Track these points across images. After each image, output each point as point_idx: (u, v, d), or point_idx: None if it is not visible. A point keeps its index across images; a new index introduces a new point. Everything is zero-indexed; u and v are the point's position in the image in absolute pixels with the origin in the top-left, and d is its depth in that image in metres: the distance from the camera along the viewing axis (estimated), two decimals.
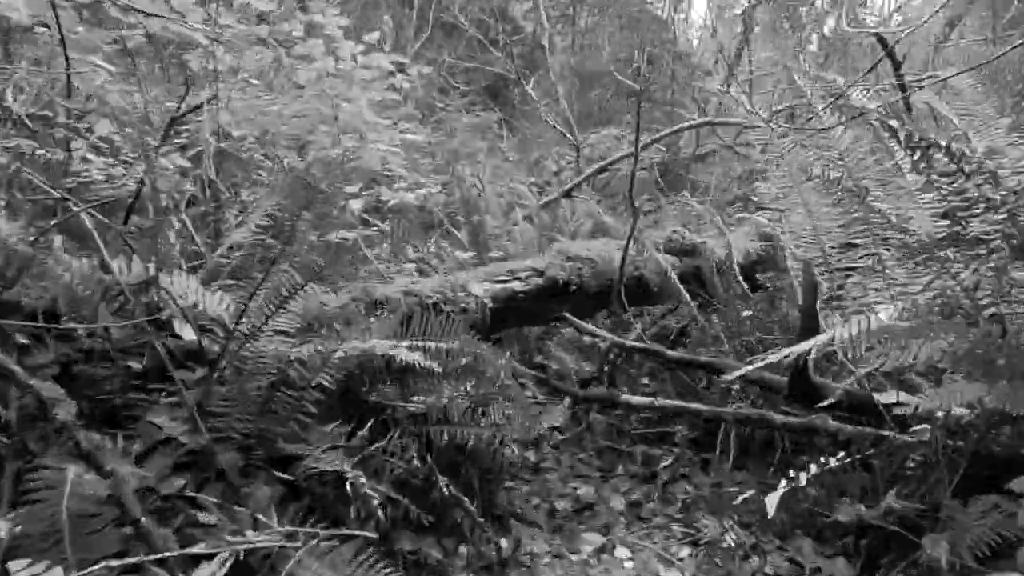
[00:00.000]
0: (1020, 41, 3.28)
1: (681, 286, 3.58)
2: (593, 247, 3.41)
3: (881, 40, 3.97)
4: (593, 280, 3.33)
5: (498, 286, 3.04)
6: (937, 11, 8.19)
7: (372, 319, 2.39)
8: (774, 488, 2.02)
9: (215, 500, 1.82)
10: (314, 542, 1.69)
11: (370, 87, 3.61)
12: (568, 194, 4.60)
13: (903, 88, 3.72)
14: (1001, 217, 2.11)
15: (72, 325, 1.99)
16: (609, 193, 7.43)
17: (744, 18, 14.63)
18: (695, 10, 22.74)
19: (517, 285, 3.09)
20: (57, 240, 2.14)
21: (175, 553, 1.53)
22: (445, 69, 9.84)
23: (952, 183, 2.21)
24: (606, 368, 3.54)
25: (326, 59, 3.35)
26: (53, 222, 2.25)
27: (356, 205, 3.22)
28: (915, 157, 2.21)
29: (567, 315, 3.34)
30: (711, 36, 13.92)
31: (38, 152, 2.38)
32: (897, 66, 3.95)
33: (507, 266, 3.19)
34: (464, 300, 2.85)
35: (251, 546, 1.59)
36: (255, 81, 3.39)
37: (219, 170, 2.87)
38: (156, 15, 2.64)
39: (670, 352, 3.29)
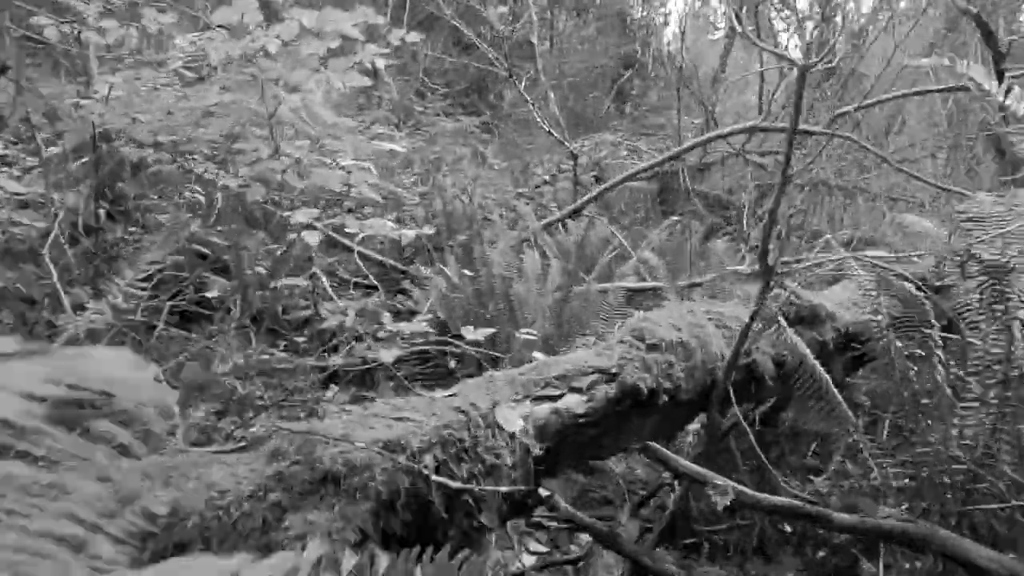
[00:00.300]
0: None
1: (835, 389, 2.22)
2: (679, 321, 2.09)
3: None
4: (688, 379, 2.07)
5: (545, 407, 1.74)
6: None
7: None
8: None
9: None
10: None
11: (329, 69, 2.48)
12: (577, 212, 3.94)
13: None
14: None
15: None
16: (604, 205, 6.84)
17: (729, 20, 14.26)
18: (673, 12, 22.45)
19: (574, 402, 1.79)
20: None
21: None
22: (423, 71, 9.20)
23: None
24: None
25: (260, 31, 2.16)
26: None
27: (312, 240, 2.43)
28: None
29: (656, 447, 2.12)
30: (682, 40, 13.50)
31: None
32: None
33: (554, 367, 1.86)
34: (492, 446, 1.51)
35: None
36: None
37: (112, 191, 2.17)
38: None
39: (845, 517, 1.94)
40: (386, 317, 2.50)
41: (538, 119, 5.33)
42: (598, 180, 6.80)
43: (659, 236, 3.96)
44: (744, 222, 4.85)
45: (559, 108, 7.02)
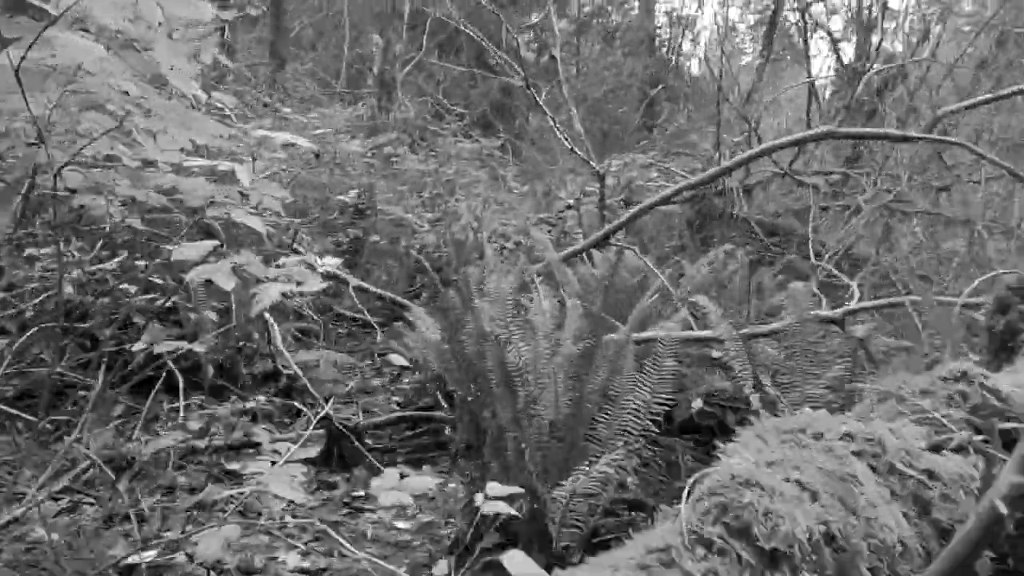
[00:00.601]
0: None
1: None
2: (803, 466, 1.08)
3: None
4: None
5: None
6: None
7: None
8: None
9: None
10: None
11: None
12: (605, 240, 3.33)
13: None
14: None
15: None
16: (634, 231, 6.25)
17: (764, 39, 13.72)
18: (702, 32, 22.00)
19: None
20: None
21: None
22: (441, 91, 8.79)
23: None
24: None
25: None
26: None
27: (268, 298, 1.75)
28: None
29: None
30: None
31: None
32: None
33: None
34: None
35: None
36: None
37: None
38: None
39: None
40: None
41: (561, 138, 4.79)
42: (627, 204, 6.22)
43: (702, 269, 3.35)
44: (810, 253, 4.17)
45: (584, 128, 6.48)
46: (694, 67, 22.73)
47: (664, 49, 16.25)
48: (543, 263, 3.02)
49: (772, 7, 15.92)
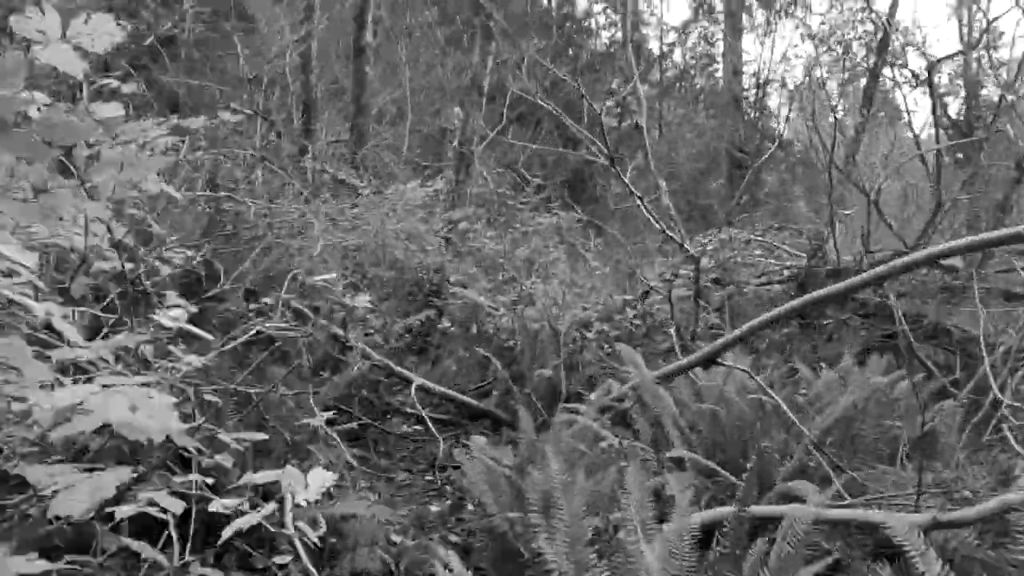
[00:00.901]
0: None
1: None
2: None
3: None
4: None
5: None
6: None
7: None
8: None
9: None
10: None
11: None
12: (711, 361, 2.71)
13: None
14: None
15: None
16: (728, 313, 5.61)
17: (864, 97, 12.92)
18: (780, 94, 21.26)
19: None
20: None
21: None
22: (521, 163, 8.58)
23: None
24: None
25: None
26: None
27: None
28: None
29: None
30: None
31: None
32: None
33: None
34: None
35: None
36: None
37: None
38: None
39: None
40: None
41: (651, 218, 4.32)
42: (719, 284, 5.63)
43: (833, 389, 2.71)
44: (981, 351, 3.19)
45: (671, 200, 5.99)
46: (784, 127, 21.94)
47: (752, 112, 15.65)
48: (633, 383, 2.51)
49: (872, 64, 15.13)
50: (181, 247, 2.34)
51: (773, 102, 20.12)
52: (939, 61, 15.08)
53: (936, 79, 14.13)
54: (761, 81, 16.67)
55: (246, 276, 2.63)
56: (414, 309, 5.67)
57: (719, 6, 18.95)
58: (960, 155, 13.45)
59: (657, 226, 4.34)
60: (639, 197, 4.18)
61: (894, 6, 12.32)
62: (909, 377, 2.81)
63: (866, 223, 4.48)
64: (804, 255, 6.05)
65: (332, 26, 10.15)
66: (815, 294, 2.94)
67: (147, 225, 2.22)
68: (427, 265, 6.18)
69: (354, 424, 3.34)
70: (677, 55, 21.19)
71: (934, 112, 6.04)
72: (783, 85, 16.54)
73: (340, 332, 3.33)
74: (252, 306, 2.44)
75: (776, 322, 3.00)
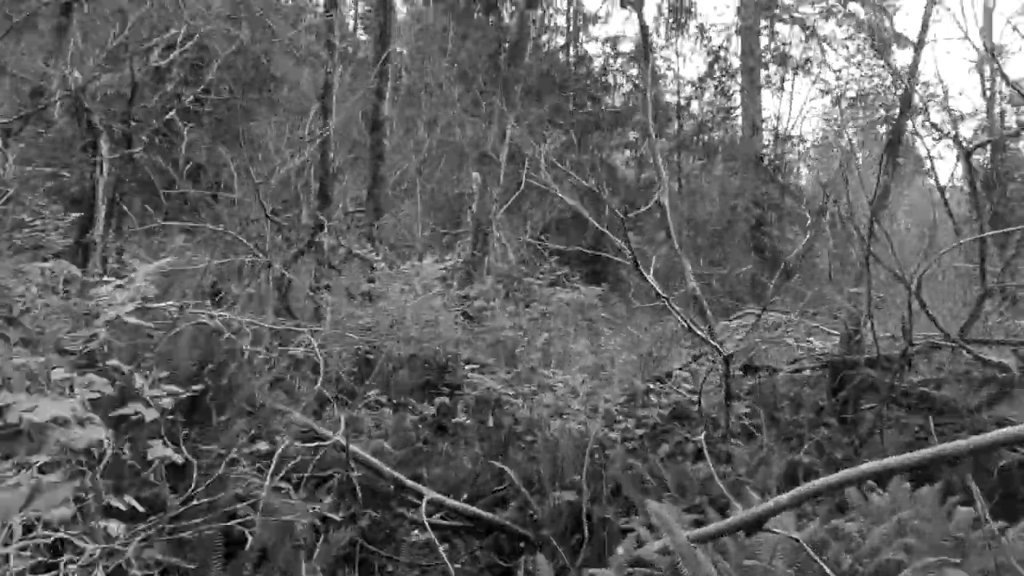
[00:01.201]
0: None
1: None
2: None
3: None
4: None
5: None
6: None
7: None
8: None
9: None
10: None
11: None
12: (759, 525, 2.39)
13: None
14: None
15: None
16: (759, 399, 5.32)
17: (887, 153, 12.73)
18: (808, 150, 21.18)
19: None
20: None
21: None
22: (537, 232, 8.46)
23: None
24: None
25: None
26: None
27: None
28: None
29: None
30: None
31: None
32: None
33: None
34: None
35: None
36: None
37: None
38: None
39: None
40: None
41: (675, 315, 4.11)
42: (752, 370, 5.35)
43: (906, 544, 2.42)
44: None
45: (693, 271, 5.77)
46: (805, 181, 21.79)
47: (773, 170, 15.51)
48: (665, 546, 2.24)
49: (894, 118, 15.00)
50: (170, 386, 2.17)
51: (792, 156, 20.02)
52: (963, 117, 14.87)
53: (961, 134, 13.92)
54: (780, 137, 16.59)
55: (239, 415, 2.45)
56: (428, 396, 5.46)
57: (735, 62, 19.10)
58: (992, 209, 13.15)
59: (685, 325, 4.11)
60: (665, 298, 3.98)
61: (916, 62, 12.24)
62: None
63: (907, 315, 4.22)
64: (836, 333, 5.78)
65: (351, 94, 10.25)
66: (914, 456, 2.57)
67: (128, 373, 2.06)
68: (443, 341, 6.00)
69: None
70: (695, 106, 21.27)
71: (972, 191, 5.81)
72: (802, 142, 16.44)
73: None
74: (245, 449, 2.26)
75: (843, 486, 2.66)
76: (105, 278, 2.63)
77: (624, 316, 8.74)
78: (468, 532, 3.95)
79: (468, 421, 4.74)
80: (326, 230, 6.46)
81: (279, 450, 2.31)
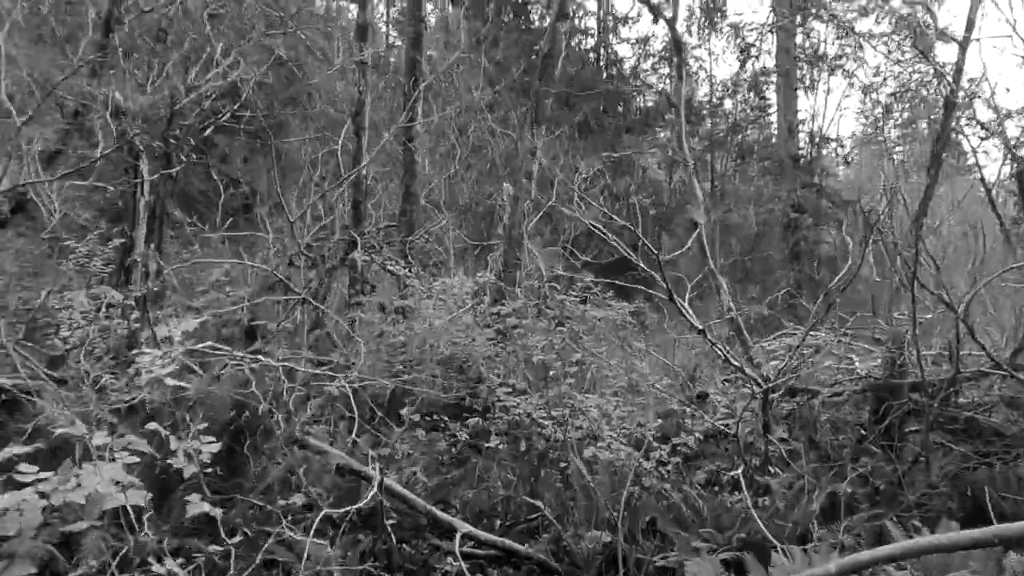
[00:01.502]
0: None
1: None
2: None
3: None
4: None
5: None
6: None
7: None
8: None
9: None
10: None
11: None
12: None
13: None
14: None
15: None
16: (798, 423, 5.20)
17: (932, 156, 12.33)
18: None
19: None
20: None
21: None
22: (568, 242, 8.42)
23: None
24: None
25: None
26: None
27: None
28: None
29: None
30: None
31: None
32: None
33: None
34: None
35: None
36: None
37: None
38: None
39: None
40: None
41: (712, 346, 4.03)
42: (790, 393, 5.23)
43: None
44: None
45: (734, 297, 5.66)
46: (843, 179, 21.23)
47: (810, 173, 15.14)
48: None
49: (937, 115, 14.49)
50: (208, 438, 2.20)
51: (830, 157, 19.54)
52: (1010, 115, 14.31)
53: (1008, 132, 13.37)
54: (816, 140, 16.19)
55: (276, 459, 2.47)
56: (460, 414, 5.46)
57: (769, 61, 18.71)
58: None
59: (722, 356, 4.03)
60: (700, 330, 3.91)
61: (960, 63, 11.79)
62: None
63: (954, 342, 4.07)
64: (876, 353, 5.61)
65: (383, 105, 10.31)
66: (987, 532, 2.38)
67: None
68: (475, 360, 6.00)
69: None
70: (728, 104, 20.90)
71: (1020, 192, 5.57)
72: (840, 144, 16.03)
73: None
74: (282, 502, 2.28)
75: (905, 557, 2.51)
76: (146, 335, 2.67)
77: (657, 327, 8.63)
78: (501, 562, 3.94)
79: (501, 446, 4.73)
80: (359, 247, 6.51)
81: (318, 516, 2.31)
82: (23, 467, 1.71)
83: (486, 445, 4.72)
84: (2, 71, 4.80)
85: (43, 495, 1.63)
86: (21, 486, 1.65)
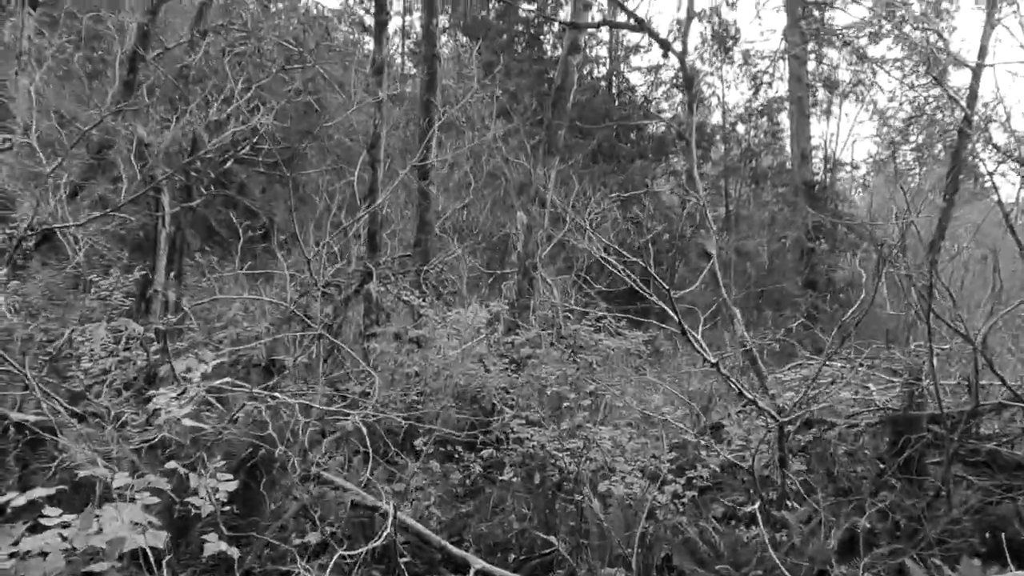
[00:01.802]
0: None
1: None
2: None
3: None
4: None
5: None
6: None
7: None
8: None
9: None
10: None
11: None
12: None
13: None
14: None
15: None
16: (816, 455, 5.14)
17: (948, 181, 12.27)
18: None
19: None
20: None
21: None
22: (585, 268, 8.44)
23: None
24: None
25: None
26: None
27: None
28: None
29: None
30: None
31: None
32: None
33: None
34: None
35: None
36: None
37: None
38: None
39: None
40: None
41: (726, 380, 4.02)
42: (807, 425, 5.18)
43: None
44: None
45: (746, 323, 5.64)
46: (860, 202, 21.12)
47: (825, 198, 15.11)
48: None
49: (953, 138, 14.43)
50: (225, 476, 2.23)
51: (844, 182, 19.49)
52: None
53: None
54: (830, 165, 16.18)
55: (288, 506, 2.50)
56: (473, 444, 5.46)
57: (782, 87, 18.81)
58: None
59: (735, 389, 4.01)
60: (714, 364, 3.90)
61: (974, 90, 11.79)
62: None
63: (974, 374, 4.03)
64: (894, 383, 5.54)
65: (398, 135, 10.48)
66: None
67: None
68: (488, 390, 6.01)
69: None
70: (740, 129, 20.97)
71: None
72: (855, 168, 16.00)
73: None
74: (298, 541, 2.30)
75: None
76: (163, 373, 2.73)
77: (671, 356, 8.60)
78: None
79: (515, 479, 4.72)
80: (374, 278, 6.58)
81: (334, 557, 2.33)
82: (47, 511, 1.76)
83: (500, 477, 4.71)
84: (33, 119, 4.97)
85: (65, 538, 1.68)
86: (42, 528, 1.69)
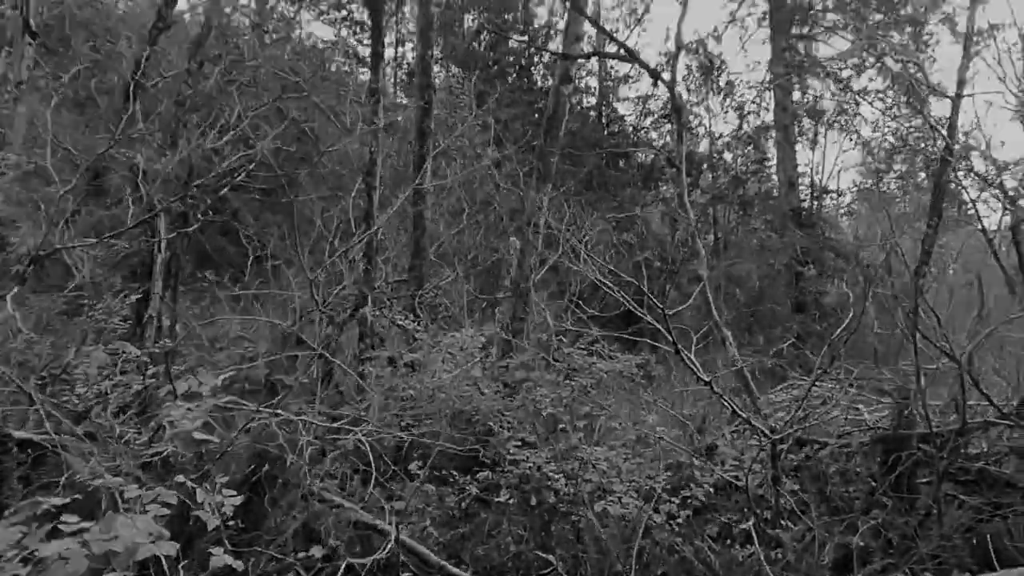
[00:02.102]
0: None
1: None
2: None
3: None
4: None
5: None
6: None
7: None
8: None
9: None
10: None
11: None
12: None
13: None
14: None
15: None
16: (808, 476, 5.18)
17: (931, 207, 12.53)
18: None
19: None
20: None
21: None
22: (578, 294, 8.54)
23: None
24: None
25: None
26: None
27: None
28: None
29: None
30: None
31: None
32: None
33: None
34: None
35: None
36: None
37: None
38: None
39: None
40: None
41: (719, 398, 4.10)
42: (799, 444, 5.24)
43: None
44: None
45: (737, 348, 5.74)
46: (848, 229, 21.46)
47: (812, 225, 15.35)
48: None
49: (935, 166, 14.75)
50: (229, 491, 2.26)
51: (830, 209, 19.82)
52: (1007, 166, 14.56)
53: (1006, 183, 13.60)
54: (816, 193, 16.48)
55: (293, 511, 2.53)
56: (469, 467, 5.47)
57: (767, 116, 19.21)
58: None
59: (729, 408, 4.09)
60: (707, 382, 3.98)
61: (954, 119, 12.12)
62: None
63: (960, 394, 4.12)
64: (883, 403, 5.63)
65: (391, 163, 10.62)
66: None
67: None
68: (483, 413, 6.03)
69: None
70: (728, 157, 21.32)
71: (1016, 244, 5.69)
72: (840, 195, 16.29)
73: None
74: (301, 554, 2.33)
75: None
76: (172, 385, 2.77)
77: (664, 378, 8.65)
78: None
79: (512, 500, 4.73)
80: (369, 302, 6.64)
81: (342, 565, 2.36)
82: (65, 517, 1.80)
83: (496, 499, 4.72)
84: (48, 150, 5.06)
85: (84, 543, 1.71)
86: (60, 534, 1.73)
